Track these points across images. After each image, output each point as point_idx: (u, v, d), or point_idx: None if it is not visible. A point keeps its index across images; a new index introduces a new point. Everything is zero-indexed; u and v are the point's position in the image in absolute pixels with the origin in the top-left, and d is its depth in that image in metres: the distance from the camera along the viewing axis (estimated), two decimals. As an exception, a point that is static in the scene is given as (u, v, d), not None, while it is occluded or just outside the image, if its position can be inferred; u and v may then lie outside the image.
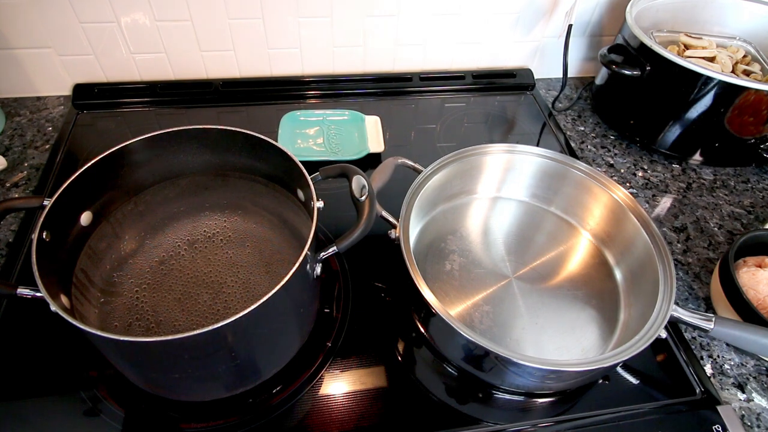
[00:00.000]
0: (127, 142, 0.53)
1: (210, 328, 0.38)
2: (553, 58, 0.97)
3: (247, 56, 0.89)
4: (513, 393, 0.55)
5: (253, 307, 0.39)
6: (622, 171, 0.83)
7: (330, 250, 0.49)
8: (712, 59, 0.82)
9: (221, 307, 0.55)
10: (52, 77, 0.86)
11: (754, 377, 0.58)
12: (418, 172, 0.63)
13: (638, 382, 0.57)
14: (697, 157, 0.83)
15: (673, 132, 0.81)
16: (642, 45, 0.77)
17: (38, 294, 0.40)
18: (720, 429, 0.52)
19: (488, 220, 0.70)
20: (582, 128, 0.91)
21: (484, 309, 0.59)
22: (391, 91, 0.94)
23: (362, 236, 0.49)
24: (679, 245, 0.72)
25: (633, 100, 0.84)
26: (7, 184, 0.74)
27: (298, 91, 0.92)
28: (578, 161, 0.67)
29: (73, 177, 0.48)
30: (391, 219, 0.58)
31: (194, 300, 0.56)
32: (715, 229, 0.74)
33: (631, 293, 0.61)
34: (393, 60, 0.94)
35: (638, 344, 0.48)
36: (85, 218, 0.53)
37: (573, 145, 0.87)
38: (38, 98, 0.89)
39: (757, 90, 0.70)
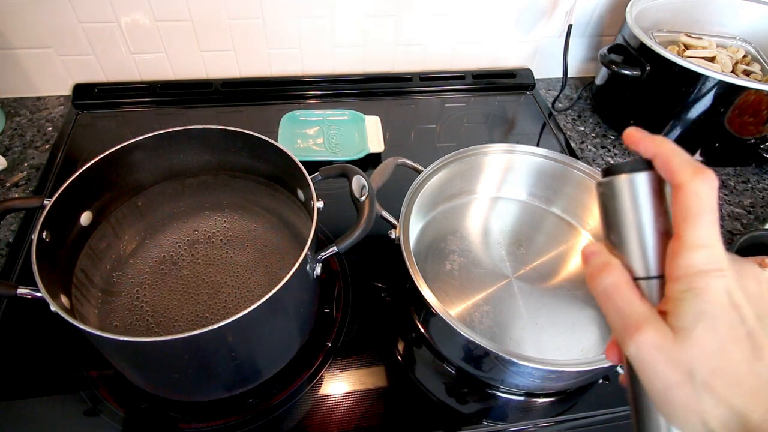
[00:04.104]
0: (127, 142, 0.53)
1: (210, 328, 0.38)
2: (553, 58, 0.97)
3: (247, 56, 0.89)
4: (513, 393, 0.55)
5: (253, 306, 0.39)
6: (622, 171, 0.83)
7: (330, 250, 0.49)
8: (712, 59, 0.82)
9: (221, 307, 0.55)
10: (52, 77, 0.86)
11: (754, 377, 0.58)
12: (418, 172, 0.63)
13: (638, 382, 0.57)
14: (697, 157, 0.83)
15: (673, 132, 0.81)
16: (642, 45, 0.77)
17: (38, 294, 0.40)
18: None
19: (488, 220, 0.70)
20: (582, 128, 0.91)
21: (484, 309, 0.59)
22: (391, 91, 0.94)
23: (362, 236, 0.49)
24: (679, 245, 0.71)
25: (633, 100, 0.84)
26: (7, 184, 0.74)
27: (298, 91, 0.92)
28: (578, 161, 0.67)
29: (73, 177, 0.48)
30: (391, 219, 0.58)
31: (194, 300, 0.56)
32: (715, 229, 0.74)
33: (631, 293, 0.61)
34: (393, 60, 0.94)
35: (638, 344, 0.48)
36: (85, 218, 0.53)
37: (573, 145, 0.87)
38: (38, 98, 0.89)
39: (757, 90, 0.70)
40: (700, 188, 0.23)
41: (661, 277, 0.24)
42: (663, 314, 0.23)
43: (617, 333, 0.24)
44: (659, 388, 0.23)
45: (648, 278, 0.25)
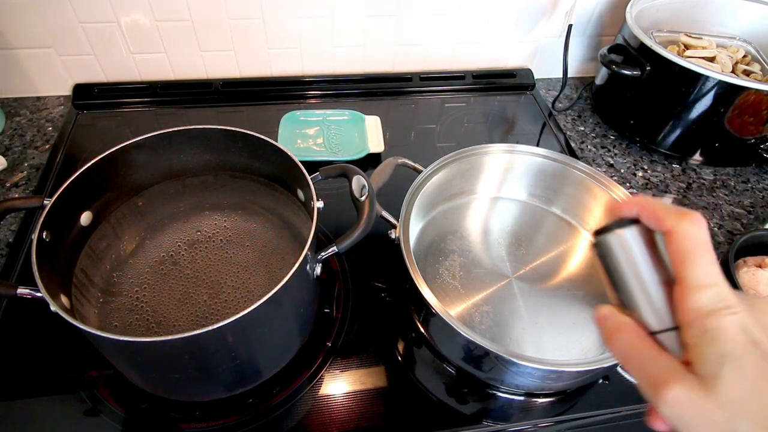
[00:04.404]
0: (127, 142, 0.53)
1: (210, 328, 0.38)
2: (553, 58, 0.97)
3: (247, 56, 0.89)
4: (513, 393, 0.55)
5: (253, 307, 0.39)
6: (622, 171, 0.83)
7: (330, 250, 0.49)
8: (712, 59, 0.82)
9: (221, 307, 0.55)
10: (52, 77, 0.86)
11: (754, 377, 0.58)
12: (418, 172, 0.63)
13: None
14: (697, 157, 0.83)
15: (673, 132, 0.81)
16: (642, 45, 0.77)
17: (38, 294, 0.40)
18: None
19: (488, 220, 0.70)
20: (582, 128, 0.91)
21: (484, 309, 0.59)
22: (391, 91, 0.94)
23: (362, 236, 0.49)
24: (679, 245, 0.71)
25: (633, 100, 0.84)
26: (7, 184, 0.74)
27: (298, 91, 0.92)
28: (578, 161, 0.67)
29: (73, 177, 0.48)
30: (391, 219, 0.58)
31: (194, 300, 0.56)
32: (715, 229, 0.74)
33: (631, 293, 0.61)
34: (393, 60, 0.94)
35: (638, 344, 0.48)
36: (85, 218, 0.53)
37: (573, 145, 0.87)
38: (38, 98, 0.89)
39: (757, 90, 0.70)
40: (691, 229, 0.23)
41: (677, 328, 0.24)
42: (688, 365, 0.22)
43: (646, 394, 0.23)
44: None
45: (664, 331, 0.24)
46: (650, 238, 0.25)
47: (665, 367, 0.23)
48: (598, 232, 0.26)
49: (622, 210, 0.26)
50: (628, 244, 0.25)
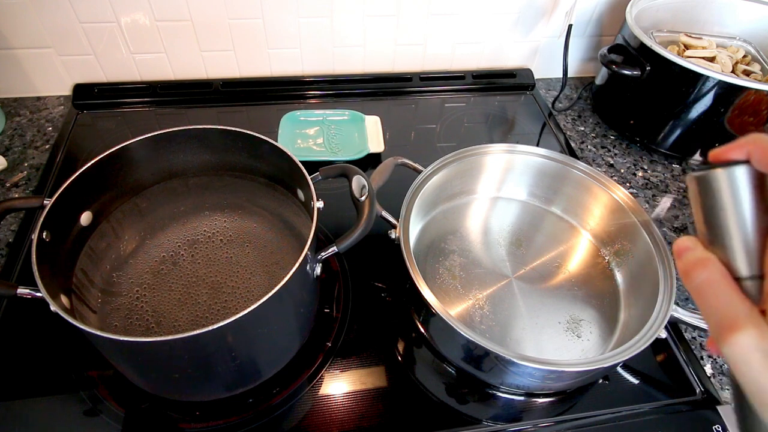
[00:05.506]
0: (127, 142, 0.53)
1: (210, 328, 0.38)
2: (553, 58, 0.97)
3: (247, 56, 0.89)
4: (513, 393, 0.55)
5: (253, 307, 0.39)
6: (622, 171, 0.83)
7: (330, 250, 0.49)
8: (712, 59, 0.82)
9: (221, 307, 0.55)
10: (52, 77, 0.86)
11: (754, 377, 0.58)
12: (418, 172, 0.63)
13: (638, 382, 0.57)
14: (697, 157, 0.83)
15: (673, 132, 0.81)
16: (642, 45, 0.77)
17: (38, 294, 0.40)
18: (720, 429, 0.52)
19: (488, 220, 0.70)
20: (582, 128, 0.91)
21: (484, 309, 0.59)
22: (391, 91, 0.94)
23: (362, 236, 0.49)
24: (679, 245, 0.71)
25: (633, 100, 0.84)
26: (7, 184, 0.74)
27: (298, 91, 0.92)
28: (578, 161, 0.67)
29: (73, 177, 0.48)
30: (391, 219, 0.58)
31: (194, 300, 0.56)
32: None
33: (631, 293, 0.61)
34: (393, 60, 0.94)
35: (638, 344, 0.49)
36: (85, 218, 0.53)
37: (573, 145, 0.87)
38: (38, 98, 0.89)
39: (757, 90, 0.70)
40: None
41: (762, 277, 0.23)
42: (764, 315, 0.22)
43: (712, 331, 0.23)
44: (755, 391, 0.21)
45: (750, 277, 0.24)
46: (759, 182, 0.24)
47: (739, 309, 0.22)
48: (703, 166, 0.25)
49: (733, 150, 0.24)
50: (735, 182, 0.24)
